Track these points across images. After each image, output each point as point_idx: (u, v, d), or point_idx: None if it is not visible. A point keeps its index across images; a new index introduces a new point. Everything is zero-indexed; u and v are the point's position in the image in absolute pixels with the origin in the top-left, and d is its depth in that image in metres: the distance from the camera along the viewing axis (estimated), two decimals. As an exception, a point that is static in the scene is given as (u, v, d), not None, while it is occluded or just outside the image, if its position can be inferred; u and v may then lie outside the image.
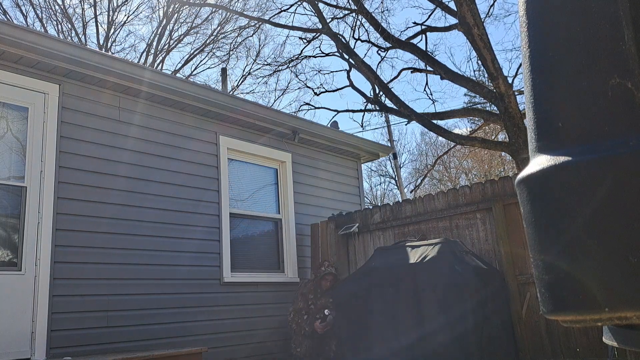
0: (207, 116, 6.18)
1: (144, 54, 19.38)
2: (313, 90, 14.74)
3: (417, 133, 41.94)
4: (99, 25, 18.89)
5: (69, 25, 18.61)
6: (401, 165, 26.45)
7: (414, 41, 11.50)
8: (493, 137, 16.25)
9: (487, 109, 12.65)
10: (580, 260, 0.86)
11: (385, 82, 11.75)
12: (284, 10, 13.10)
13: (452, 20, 10.67)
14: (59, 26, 18.51)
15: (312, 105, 20.50)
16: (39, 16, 18.27)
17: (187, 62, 20.13)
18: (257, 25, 15.71)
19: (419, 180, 21.78)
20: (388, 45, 11.76)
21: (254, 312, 6.11)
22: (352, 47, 11.96)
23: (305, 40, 13.49)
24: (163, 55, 19.82)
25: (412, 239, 5.85)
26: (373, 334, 5.01)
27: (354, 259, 6.66)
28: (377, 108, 12.50)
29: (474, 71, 21.35)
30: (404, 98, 13.35)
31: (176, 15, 19.13)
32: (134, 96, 5.53)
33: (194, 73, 20.46)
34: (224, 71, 17.17)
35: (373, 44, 12.50)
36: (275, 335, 6.13)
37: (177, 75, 18.34)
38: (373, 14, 11.51)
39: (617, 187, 0.83)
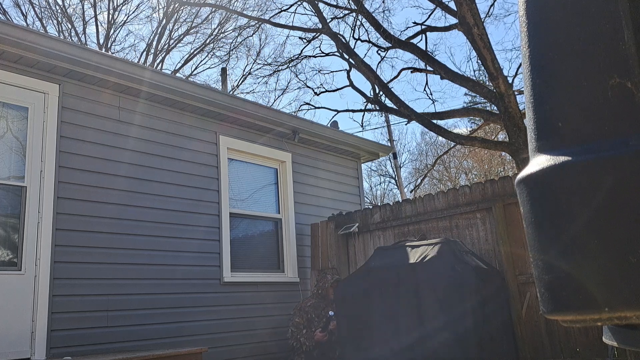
0: (207, 116, 6.18)
1: (144, 53, 19.39)
2: (313, 90, 14.78)
3: (417, 133, 42.00)
4: (99, 24, 18.91)
5: (69, 25, 18.62)
6: (401, 165, 26.46)
7: (414, 41, 11.49)
8: (493, 137, 16.24)
9: (487, 109, 12.64)
10: (580, 260, 0.86)
11: (385, 82, 11.74)
12: (284, 10, 13.11)
13: (452, 20, 10.67)
14: (59, 26, 18.51)
15: (312, 105, 20.56)
16: (39, 16, 18.28)
17: (187, 62, 20.14)
18: (257, 25, 15.72)
19: (419, 180, 21.77)
20: (388, 45, 11.76)
21: (254, 312, 6.11)
22: (352, 47, 11.95)
23: (305, 40, 13.51)
24: (163, 55, 19.83)
25: (412, 238, 5.85)
26: (373, 333, 5.01)
27: (354, 259, 6.66)
28: (377, 108, 12.49)
29: (474, 71, 21.38)
30: (404, 98, 13.37)
31: (176, 15, 19.13)
32: (134, 96, 5.53)
33: (194, 73, 20.48)
34: (224, 71, 17.18)
35: (373, 44, 12.51)
36: (275, 335, 6.13)
37: (177, 75, 18.34)
38: (373, 14, 11.51)
39: (617, 187, 0.83)
